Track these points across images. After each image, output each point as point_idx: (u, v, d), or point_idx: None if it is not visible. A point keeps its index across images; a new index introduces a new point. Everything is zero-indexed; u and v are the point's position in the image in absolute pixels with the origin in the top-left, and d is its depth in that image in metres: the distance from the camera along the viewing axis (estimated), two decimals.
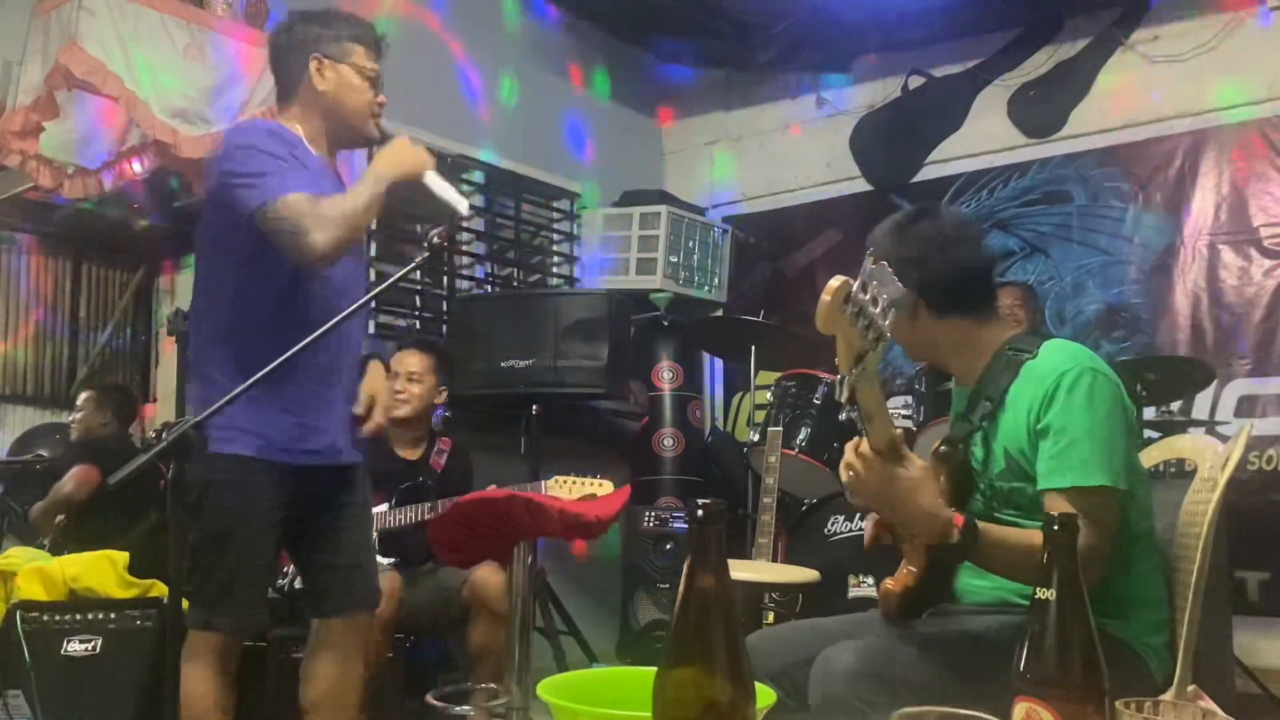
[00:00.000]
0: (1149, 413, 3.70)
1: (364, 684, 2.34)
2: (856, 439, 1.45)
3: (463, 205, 2.20)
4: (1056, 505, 1.53)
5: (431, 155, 2.22)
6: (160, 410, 4.87)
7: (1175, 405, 3.88)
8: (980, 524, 1.48)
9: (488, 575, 3.04)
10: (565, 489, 3.06)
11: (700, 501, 0.86)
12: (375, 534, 2.77)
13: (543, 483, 3.15)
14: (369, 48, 2.25)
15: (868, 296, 1.19)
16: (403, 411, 3.30)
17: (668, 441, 4.72)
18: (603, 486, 3.08)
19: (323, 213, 2.00)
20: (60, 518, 3.55)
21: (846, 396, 1.31)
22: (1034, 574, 1.51)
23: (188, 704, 2.09)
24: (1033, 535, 1.54)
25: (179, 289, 5.01)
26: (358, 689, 2.32)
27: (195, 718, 2.10)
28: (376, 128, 2.25)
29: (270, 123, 2.25)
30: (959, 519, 1.44)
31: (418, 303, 4.66)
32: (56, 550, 3.34)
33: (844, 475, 1.48)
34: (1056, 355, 1.61)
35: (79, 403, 4.01)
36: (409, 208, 3.82)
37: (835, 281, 1.16)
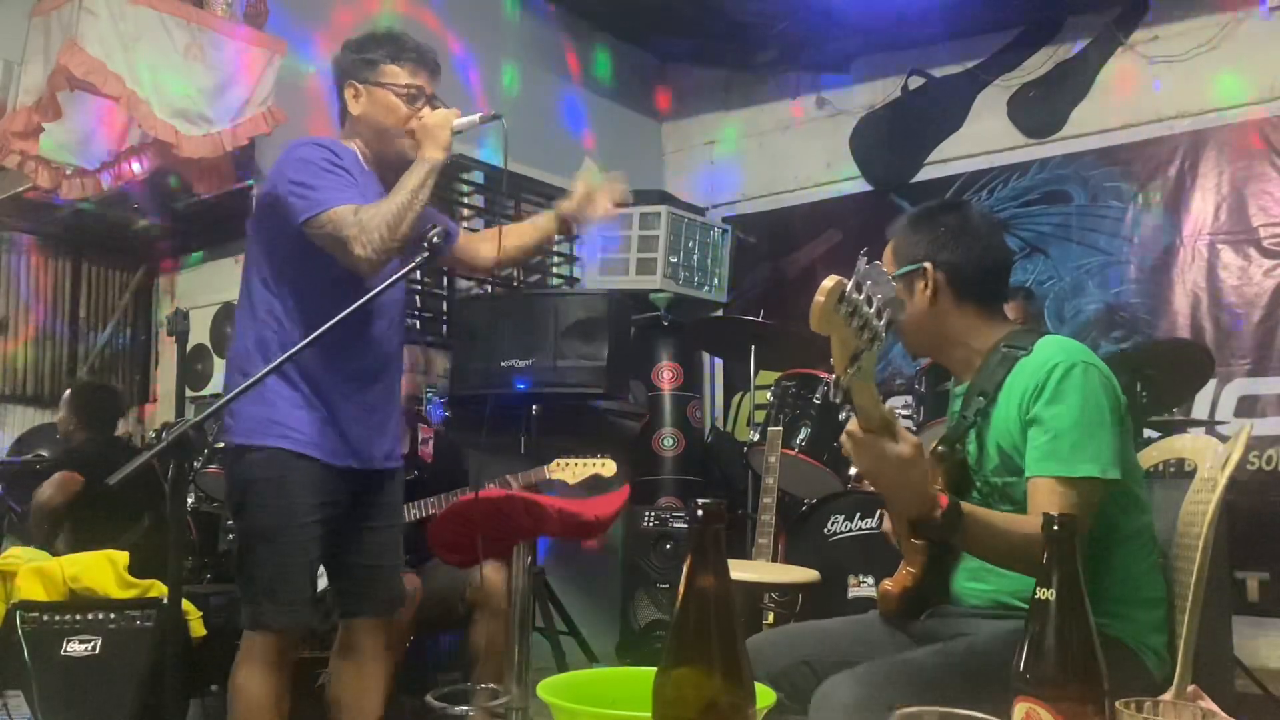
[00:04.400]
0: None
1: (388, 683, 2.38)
2: (855, 418, 1.45)
3: (483, 114, 2.21)
4: (1040, 493, 1.54)
5: (446, 108, 2.21)
6: (160, 410, 4.87)
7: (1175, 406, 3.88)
8: (966, 506, 1.47)
9: (493, 575, 3.03)
10: (568, 472, 3.05)
11: (700, 501, 0.86)
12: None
13: (544, 467, 3.14)
14: (406, 64, 2.24)
15: (862, 296, 1.19)
16: None
17: (668, 441, 4.72)
18: (605, 466, 3.07)
19: (364, 221, 2.03)
20: (46, 526, 3.54)
21: (841, 397, 1.31)
22: (1016, 559, 1.54)
23: (244, 702, 2.12)
24: (1016, 520, 1.54)
25: (179, 289, 5.01)
26: (380, 689, 2.35)
27: (250, 715, 2.12)
28: (415, 147, 2.19)
29: (329, 140, 2.28)
30: (944, 499, 1.44)
31: (418, 303, 4.65)
32: (54, 551, 3.34)
33: (844, 446, 1.48)
34: (1050, 349, 1.62)
35: (61, 400, 3.96)
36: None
37: (829, 281, 1.15)
